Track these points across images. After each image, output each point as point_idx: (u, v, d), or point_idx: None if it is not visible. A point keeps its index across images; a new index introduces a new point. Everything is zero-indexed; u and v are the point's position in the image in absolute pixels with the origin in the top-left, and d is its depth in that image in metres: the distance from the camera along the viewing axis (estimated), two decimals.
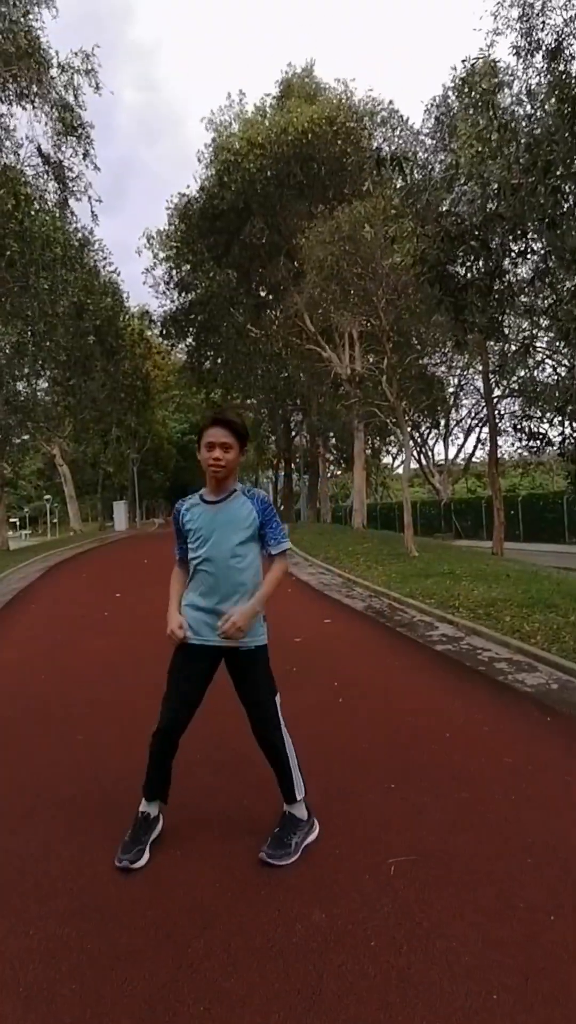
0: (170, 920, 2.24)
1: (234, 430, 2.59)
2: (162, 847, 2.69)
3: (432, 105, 14.10)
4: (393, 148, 18.76)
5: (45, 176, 19.34)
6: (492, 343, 13.31)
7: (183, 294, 28.47)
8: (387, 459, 38.52)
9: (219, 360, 29.61)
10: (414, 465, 27.80)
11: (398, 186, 9.50)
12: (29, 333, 18.48)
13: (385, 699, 4.55)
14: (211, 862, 2.58)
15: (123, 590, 10.32)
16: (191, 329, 29.74)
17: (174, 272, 27.91)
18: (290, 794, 2.70)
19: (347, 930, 2.16)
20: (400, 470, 32.21)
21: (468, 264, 7.09)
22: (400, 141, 18.52)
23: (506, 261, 7.03)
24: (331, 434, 30.22)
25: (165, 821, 2.78)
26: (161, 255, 27.33)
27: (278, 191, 23.20)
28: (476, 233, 6.69)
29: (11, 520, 46.35)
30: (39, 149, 18.86)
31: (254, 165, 22.29)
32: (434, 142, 14.64)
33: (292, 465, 36.86)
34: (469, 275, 7.07)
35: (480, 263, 7.52)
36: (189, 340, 30.56)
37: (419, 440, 28.25)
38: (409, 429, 19.91)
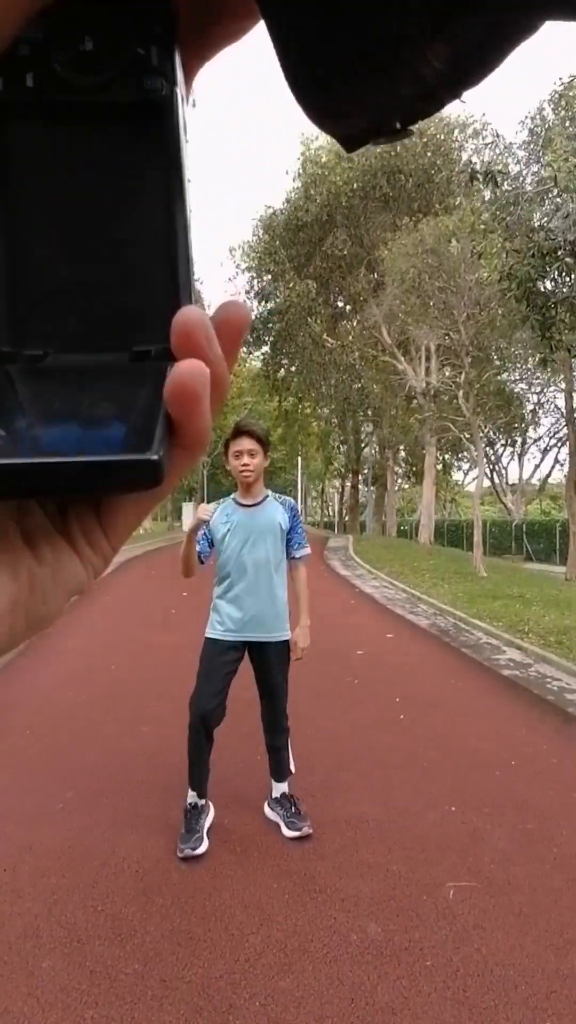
0: (228, 913, 2.30)
1: (258, 438, 2.83)
2: (221, 841, 2.76)
3: (527, 118, 13.85)
4: (485, 160, 18.50)
5: None
6: None
7: (262, 303, 28.99)
8: (457, 475, 37.76)
9: (293, 368, 29.93)
10: (486, 483, 27.12)
11: (486, 198, 9.37)
12: None
13: (448, 720, 4.48)
14: (268, 863, 2.63)
15: (189, 590, 10.57)
16: (268, 338, 30.22)
17: (255, 282, 28.48)
18: (284, 773, 2.99)
19: (403, 947, 2.16)
20: (471, 487, 31.47)
21: (558, 280, 6.90)
22: (492, 154, 18.24)
23: None
24: (401, 447, 29.92)
25: (224, 816, 2.86)
26: (243, 265, 27.96)
27: (363, 203, 23.31)
28: (570, 248, 6.50)
29: None
30: None
31: (340, 178, 22.50)
32: (527, 154, 14.36)
33: (360, 476, 36.70)
34: (559, 292, 6.88)
35: (572, 278, 7.30)
36: (265, 348, 31.07)
37: (493, 458, 27.55)
38: (484, 446, 19.46)
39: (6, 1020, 1.84)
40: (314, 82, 0.24)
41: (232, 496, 2.94)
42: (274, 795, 2.98)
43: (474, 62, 0.24)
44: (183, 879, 2.50)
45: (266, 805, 3.01)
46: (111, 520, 0.24)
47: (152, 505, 0.25)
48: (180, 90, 0.23)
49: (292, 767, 3.04)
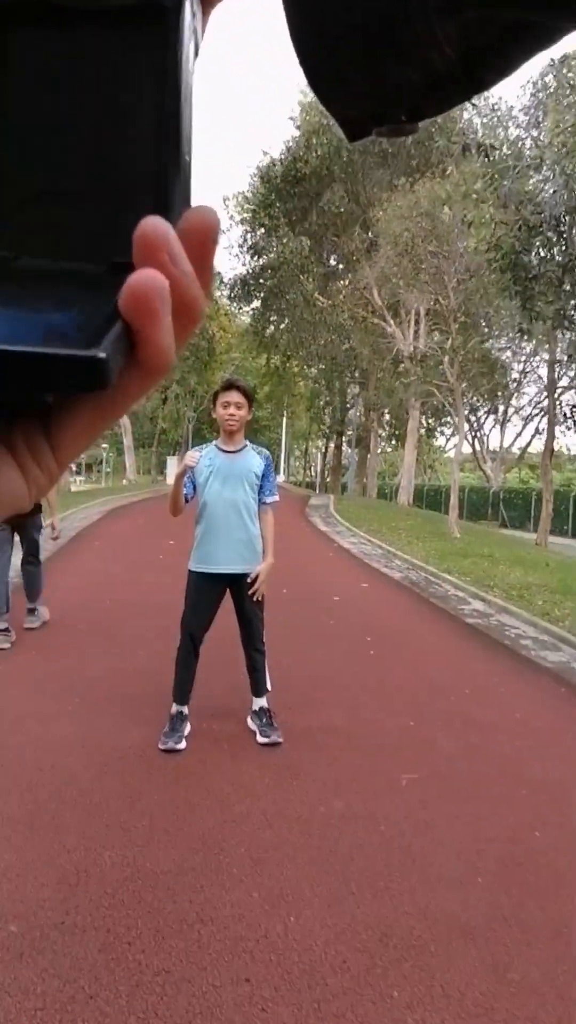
0: (218, 788, 2.77)
1: (245, 393, 3.24)
2: (211, 740, 3.22)
3: (529, 82, 13.79)
4: (484, 120, 18.31)
5: None
6: (562, 333, 13.17)
7: (255, 258, 28.61)
8: (440, 440, 38.20)
9: (282, 326, 29.77)
10: (467, 449, 27.60)
11: (479, 167, 9.47)
12: None
13: (412, 655, 4.98)
14: (251, 756, 3.10)
15: (176, 538, 10.96)
16: (259, 293, 29.92)
17: (248, 236, 28.03)
18: (261, 690, 3.41)
19: (361, 815, 2.64)
20: (452, 453, 31.94)
21: (542, 254, 7.16)
22: (493, 115, 18.04)
23: None
24: (386, 410, 30.17)
25: (213, 723, 3.31)
26: (237, 218, 27.46)
27: (362, 158, 22.94)
28: (554, 223, 6.76)
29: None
30: None
31: None
32: (528, 118, 14.34)
33: (343, 438, 36.97)
34: (542, 266, 7.16)
35: (555, 251, 7.57)
36: (255, 304, 30.77)
37: (475, 424, 27.97)
38: (466, 412, 19.83)
39: (37, 862, 2.28)
40: (323, 54, 0.24)
41: (214, 443, 3.32)
42: (253, 708, 3.42)
43: (486, 61, 0.23)
44: (180, 764, 2.96)
45: (248, 717, 3.46)
46: (60, 436, 0.23)
47: (104, 424, 0.24)
48: (189, 2, 0.23)
49: (268, 685, 3.48)
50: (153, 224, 0.20)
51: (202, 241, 0.22)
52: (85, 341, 0.19)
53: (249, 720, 3.42)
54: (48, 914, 1.97)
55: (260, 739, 3.24)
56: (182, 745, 3.13)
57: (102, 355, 0.19)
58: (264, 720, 3.33)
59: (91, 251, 0.23)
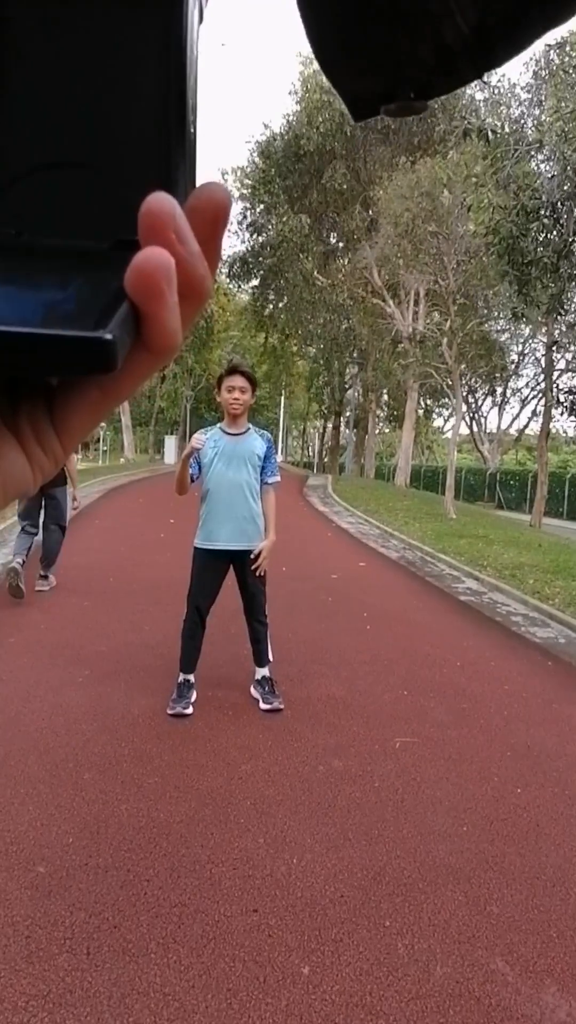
0: (224, 750, 2.96)
1: (248, 378, 3.38)
2: (215, 707, 3.42)
3: (531, 59, 13.65)
4: (486, 97, 18.08)
5: None
6: (558, 317, 13.23)
7: (254, 235, 28.37)
8: (438, 421, 38.25)
9: (281, 305, 29.62)
10: (464, 431, 27.73)
11: (479, 148, 9.44)
12: None
13: (407, 630, 5.18)
14: (255, 721, 3.30)
15: (176, 517, 11.12)
16: (258, 272, 29.72)
17: (248, 212, 27.76)
18: (264, 660, 3.59)
19: (358, 775, 2.84)
20: (450, 434, 32.03)
21: (538, 240, 7.23)
22: (494, 92, 17.84)
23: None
24: (384, 391, 30.19)
25: (219, 691, 3.50)
26: (236, 193, 27.15)
27: (364, 134, 22.68)
28: (551, 209, 6.82)
29: None
30: None
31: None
32: (530, 96, 14.23)
33: (342, 418, 36.99)
34: (538, 251, 7.23)
35: (551, 235, 7.63)
36: (254, 282, 30.58)
37: (473, 406, 28.03)
38: (464, 393, 19.92)
39: (59, 814, 2.47)
40: (332, 27, 0.23)
41: (219, 425, 3.47)
42: (256, 677, 3.62)
43: (502, 36, 0.22)
44: (187, 729, 3.16)
45: (251, 686, 3.66)
46: (64, 420, 0.22)
47: (109, 407, 0.23)
48: None
49: (270, 656, 3.67)
50: (159, 200, 0.20)
51: (211, 220, 0.22)
52: (92, 322, 0.19)
53: (252, 689, 3.61)
54: (73, 857, 2.16)
55: (263, 706, 3.44)
56: (189, 711, 3.32)
57: (109, 337, 0.18)
58: (267, 688, 3.52)
59: (95, 228, 0.22)
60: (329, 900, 2.00)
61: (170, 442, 38.66)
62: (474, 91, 19.43)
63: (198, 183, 0.23)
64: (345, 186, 23.94)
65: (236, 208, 27.78)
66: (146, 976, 1.70)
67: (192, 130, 0.23)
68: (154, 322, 0.20)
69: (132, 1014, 1.58)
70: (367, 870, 2.16)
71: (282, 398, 43.83)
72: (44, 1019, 1.57)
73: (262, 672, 3.60)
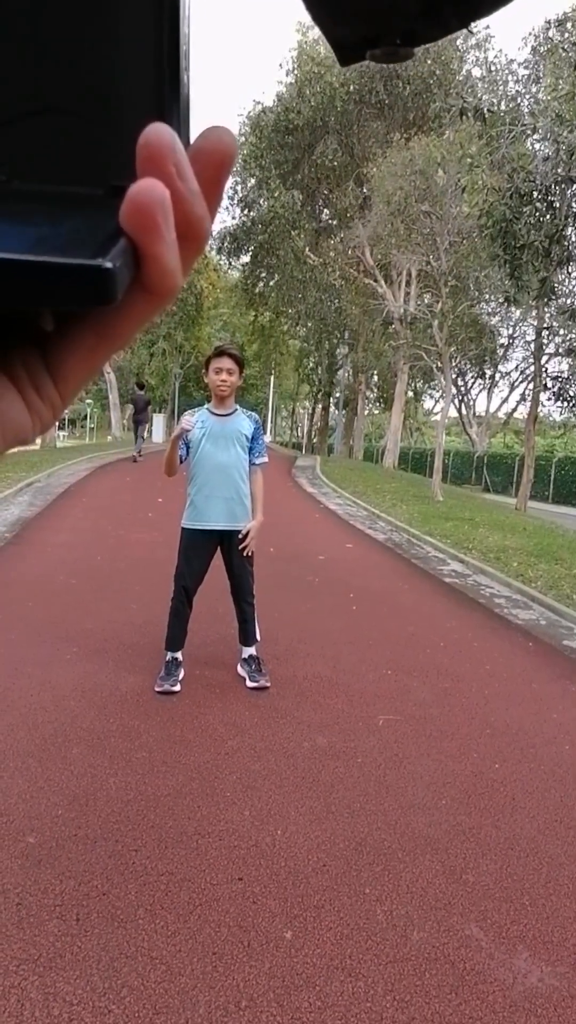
0: (211, 727, 3.02)
1: (236, 360, 3.39)
2: (203, 685, 3.47)
3: (530, 35, 13.47)
4: (483, 73, 17.85)
5: None
6: (550, 300, 13.23)
7: (245, 211, 27.93)
8: (428, 403, 38.26)
9: (272, 283, 29.29)
10: (453, 413, 27.78)
11: (474, 119, 9.32)
12: None
13: (392, 611, 5.26)
14: (242, 698, 3.36)
15: (164, 496, 11.10)
16: (249, 248, 29.31)
17: (239, 187, 27.28)
18: (251, 639, 3.65)
19: (342, 751, 2.91)
20: (438, 416, 32.04)
21: (530, 224, 7.21)
22: (492, 67, 17.58)
23: (568, 228, 7.13)
24: (374, 372, 30.08)
25: (206, 670, 3.55)
26: None
27: (357, 108, 22.31)
28: (544, 192, 6.79)
29: None
30: None
31: (337, 79, 21.39)
32: (528, 73, 14.05)
33: (331, 399, 36.86)
34: (530, 235, 7.21)
35: (545, 218, 7.61)
36: (245, 259, 30.17)
37: (462, 389, 28.05)
38: (454, 376, 19.92)
39: (48, 787, 2.52)
40: None
41: (207, 406, 3.50)
42: (243, 656, 3.68)
43: None
44: (174, 706, 3.21)
45: (238, 665, 3.71)
46: (60, 367, 0.22)
47: (106, 353, 0.22)
48: None
49: (258, 636, 3.72)
50: (158, 131, 0.19)
51: (216, 163, 0.21)
52: (90, 252, 0.18)
53: (239, 667, 3.67)
54: (62, 828, 2.21)
55: (249, 683, 3.49)
56: (177, 688, 3.37)
57: (109, 265, 0.18)
58: (253, 667, 3.58)
59: (88, 173, 0.22)
60: (312, 869, 2.07)
61: (159, 419, 38.34)
62: (471, 67, 19.15)
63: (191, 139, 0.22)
64: (337, 162, 23.60)
65: (228, 183, 27.26)
66: (134, 941, 1.76)
67: (186, 76, 0.22)
68: (153, 259, 0.19)
69: (120, 977, 1.65)
70: (349, 841, 2.24)
71: (272, 378, 43.54)
72: (35, 982, 1.62)
73: (249, 651, 3.65)
